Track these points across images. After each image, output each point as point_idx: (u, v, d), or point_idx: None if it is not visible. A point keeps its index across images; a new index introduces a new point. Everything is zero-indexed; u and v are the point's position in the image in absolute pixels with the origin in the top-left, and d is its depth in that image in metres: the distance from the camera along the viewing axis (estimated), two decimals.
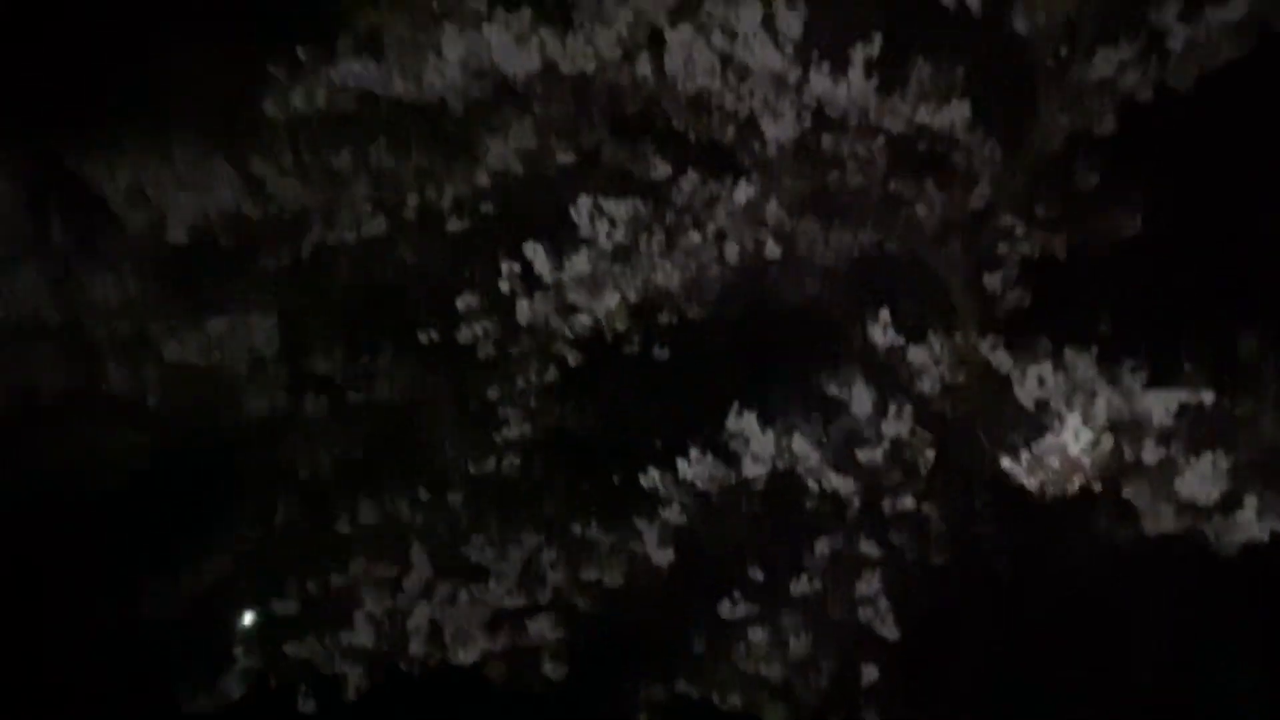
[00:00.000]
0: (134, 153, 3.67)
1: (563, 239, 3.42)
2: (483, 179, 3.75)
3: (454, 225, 3.85)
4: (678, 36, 3.10)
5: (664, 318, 3.62)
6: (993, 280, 3.34)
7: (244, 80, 3.58)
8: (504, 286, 3.15)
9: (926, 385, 3.13)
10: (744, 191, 3.12)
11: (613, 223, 3.16)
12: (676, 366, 3.82)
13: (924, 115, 3.04)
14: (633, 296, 3.21)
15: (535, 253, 3.10)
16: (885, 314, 3.14)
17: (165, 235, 3.69)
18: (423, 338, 3.73)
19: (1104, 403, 2.65)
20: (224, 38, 3.72)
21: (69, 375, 3.94)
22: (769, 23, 2.97)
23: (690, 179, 3.43)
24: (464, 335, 3.57)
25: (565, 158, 3.59)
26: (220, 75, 3.68)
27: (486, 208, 3.85)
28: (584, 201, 3.14)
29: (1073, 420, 2.58)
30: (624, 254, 3.17)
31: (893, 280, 3.48)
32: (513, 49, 3.12)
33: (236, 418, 4.19)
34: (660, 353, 3.76)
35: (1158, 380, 2.87)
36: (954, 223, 3.30)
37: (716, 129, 3.32)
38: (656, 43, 3.21)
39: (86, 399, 4.04)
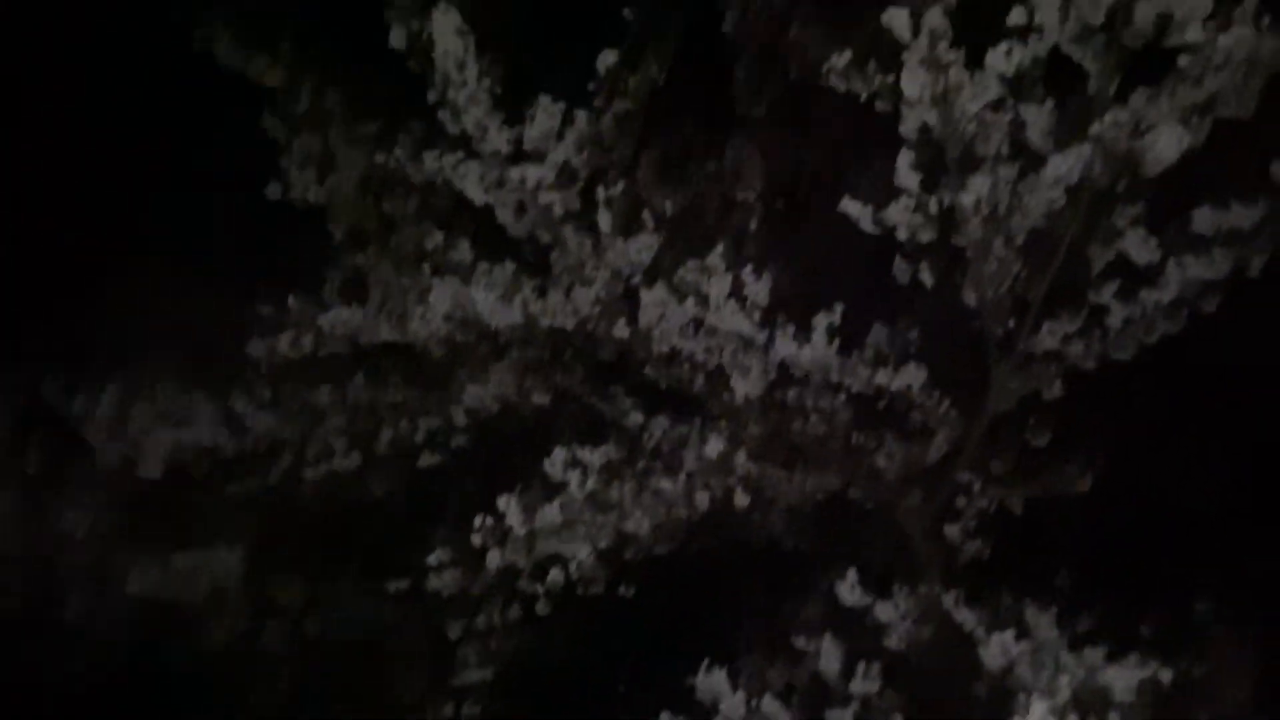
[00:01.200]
0: (116, 389, 3.76)
1: (534, 479, 3.51)
2: (458, 416, 3.88)
3: (425, 460, 3.94)
4: (652, 297, 3.30)
5: (630, 554, 3.68)
6: (952, 532, 3.45)
7: (231, 321, 3.73)
8: (475, 539, 3.21)
9: (894, 642, 3.18)
10: (713, 445, 3.25)
11: (585, 471, 3.26)
12: (642, 605, 3.84)
13: (882, 377, 3.22)
14: (603, 544, 3.28)
15: (509, 506, 3.18)
16: (852, 573, 3.22)
17: (138, 469, 3.74)
18: (391, 587, 3.75)
19: (1067, 678, 2.72)
20: (213, 277, 3.90)
21: (25, 603, 3.89)
22: (738, 290, 3.18)
23: (660, 424, 3.57)
24: (432, 584, 3.60)
25: (540, 399, 3.73)
26: (207, 315, 3.83)
27: (459, 442, 3.96)
28: (558, 452, 3.25)
29: (1039, 708, 2.64)
30: (596, 501, 3.26)
31: (857, 528, 3.58)
32: (497, 304, 3.30)
33: (191, 648, 4.12)
34: (626, 590, 3.79)
35: (1117, 641, 2.95)
36: (914, 474, 3.44)
37: (687, 379, 3.48)
38: (632, 299, 3.41)
39: (40, 627, 3.97)
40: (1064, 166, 2.80)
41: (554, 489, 3.29)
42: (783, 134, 3.90)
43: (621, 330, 3.26)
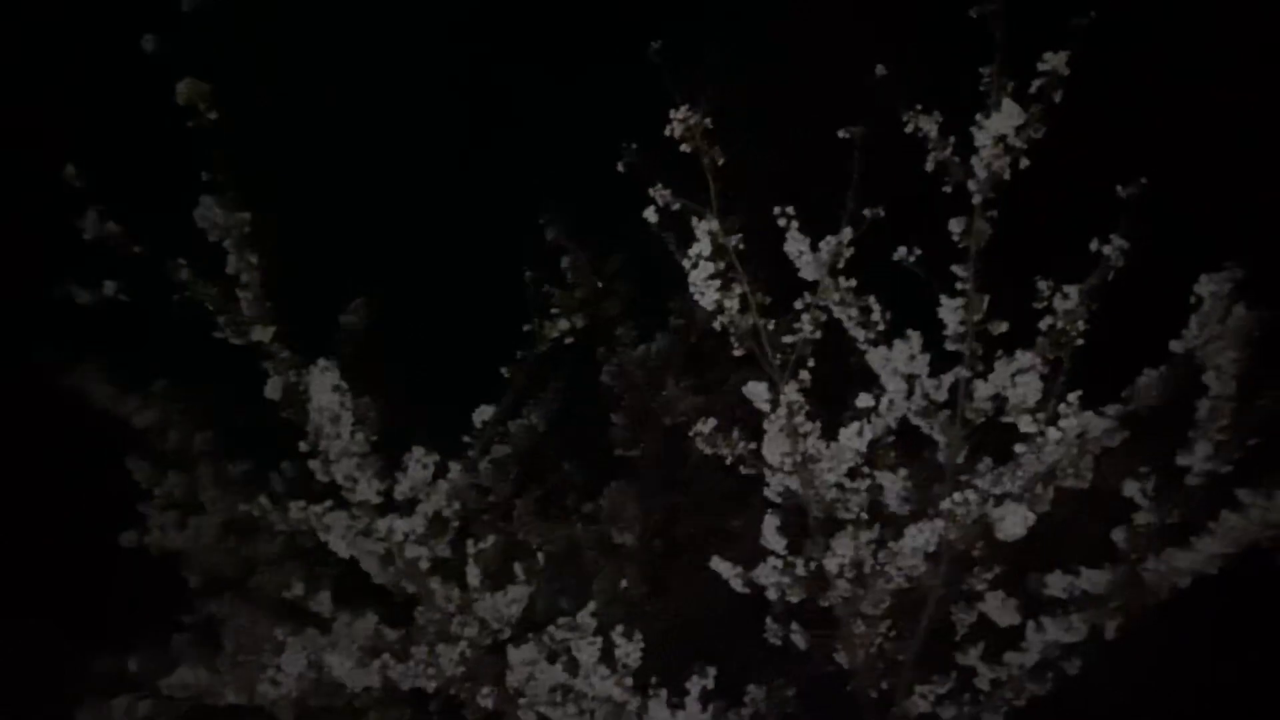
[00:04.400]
0: None
1: None
2: None
3: None
4: (520, 655, 3.24)
5: None
6: None
7: (62, 681, 3.50)
8: None
9: None
10: None
11: None
12: None
13: None
14: None
15: None
16: None
17: None
18: None
19: None
20: (46, 628, 3.69)
21: None
22: (608, 654, 3.15)
23: None
24: None
25: None
26: (36, 671, 3.59)
27: None
28: None
29: None
30: None
31: None
32: (354, 667, 3.18)
33: None
34: None
35: None
36: None
37: None
38: (499, 656, 3.34)
39: None
40: (920, 538, 2.93)
41: None
42: (659, 478, 4.03)
43: (486, 698, 3.16)
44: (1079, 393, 2.85)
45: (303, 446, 3.43)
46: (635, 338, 4.04)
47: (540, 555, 3.54)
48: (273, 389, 3.45)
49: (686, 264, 2.89)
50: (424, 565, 3.37)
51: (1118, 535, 3.05)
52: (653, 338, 4.03)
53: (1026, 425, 2.85)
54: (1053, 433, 2.82)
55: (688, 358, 4.03)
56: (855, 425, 2.95)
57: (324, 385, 3.26)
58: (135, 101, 3.68)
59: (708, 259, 2.87)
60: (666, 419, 3.92)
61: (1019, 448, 2.88)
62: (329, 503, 3.43)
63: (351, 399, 3.33)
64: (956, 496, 2.89)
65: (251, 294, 3.42)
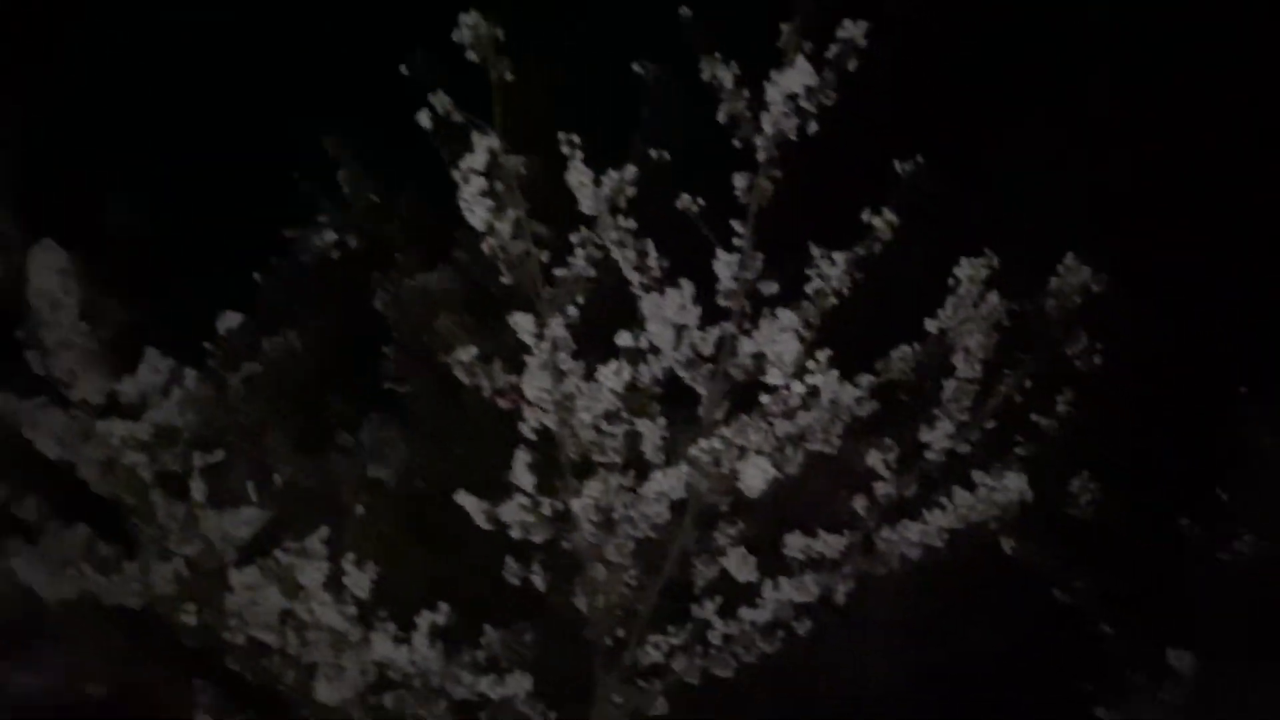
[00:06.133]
0: None
1: None
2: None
3: None
4: (242, 579, 3.04)
5: None
6: None
7: None
8: None
9: None
10: None
11: None
12: None
13: (486, 685, 3.08)
14: None
15: None
16: None
17: None
18: None
19: None
20: None
21: None
22: (335, 581, 2.99)
23: None
24: None
25: (96, 691, 3.26)
26: None
27: None
28: None
29: None
30: None
31: None
32: (47, 576, 2.90)
33: None
34: None
35: None
36: None
37: (276, 673, 3.17)
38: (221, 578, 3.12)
39: None
40: (666, 483, 2.91)
41: None
42: (428, 415, 3.87)
43: (189, 615, 2.93)
44: (828, 352, 2.88)
45: (18, 335, 3.10)
46: (416, 266, 3.86)
47: (277, 477, 3.33)
48: None
49: (457, 176, 2.76)
50: (145, 476, 3.11)
51: (858, 503, 3.11)
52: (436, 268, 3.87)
53: (775, 377, 2.86)
54: (797, 386, 2.84)
55: (471, 294, 3.88)
56: (614, 365, 2.89)
57: (46, 267, 2.95)
58: None
59: (482, 174, 2.74)
60: (441, 355, 3.77)
61: (764, 398, 2.89)
62: (42, 399, 3.12)
63: (81, 287, 3.03)
64: (703, 444, 2.87)
65: None
